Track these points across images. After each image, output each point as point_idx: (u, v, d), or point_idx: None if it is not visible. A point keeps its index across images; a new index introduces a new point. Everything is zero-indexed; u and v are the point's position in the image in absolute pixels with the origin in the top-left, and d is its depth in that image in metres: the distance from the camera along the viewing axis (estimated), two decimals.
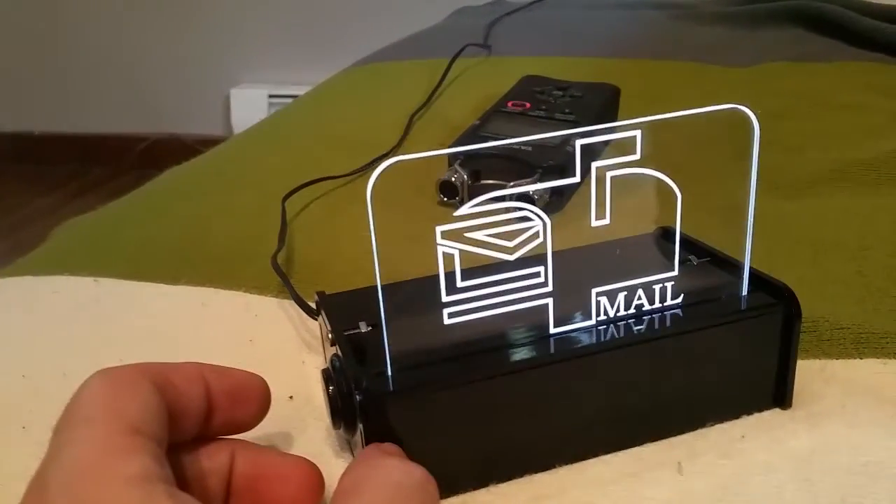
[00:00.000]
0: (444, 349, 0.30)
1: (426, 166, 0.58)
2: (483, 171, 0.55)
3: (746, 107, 0.30)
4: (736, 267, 0.34)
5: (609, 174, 0.30)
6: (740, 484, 0.30)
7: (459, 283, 0.29)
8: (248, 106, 2.10)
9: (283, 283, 0.44)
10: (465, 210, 0.28)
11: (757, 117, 0.31)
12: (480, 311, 0.29)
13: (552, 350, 0.30)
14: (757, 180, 0.31)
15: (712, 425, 0.33)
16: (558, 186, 0.51)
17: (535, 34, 1.07)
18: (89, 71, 2.28)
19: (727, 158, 0.62)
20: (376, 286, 0.28)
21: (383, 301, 0.28)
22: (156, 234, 0.54)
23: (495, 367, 0.29)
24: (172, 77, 2.24)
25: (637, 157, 0.30)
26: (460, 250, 0.28)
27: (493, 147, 0.54)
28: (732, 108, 0.30)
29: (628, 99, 0.70)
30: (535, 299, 0.30)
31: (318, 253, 0.50)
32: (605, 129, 0.29)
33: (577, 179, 0.29)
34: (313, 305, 0.37)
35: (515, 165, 0.54)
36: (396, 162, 0.26)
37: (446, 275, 0.28)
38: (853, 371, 0.36)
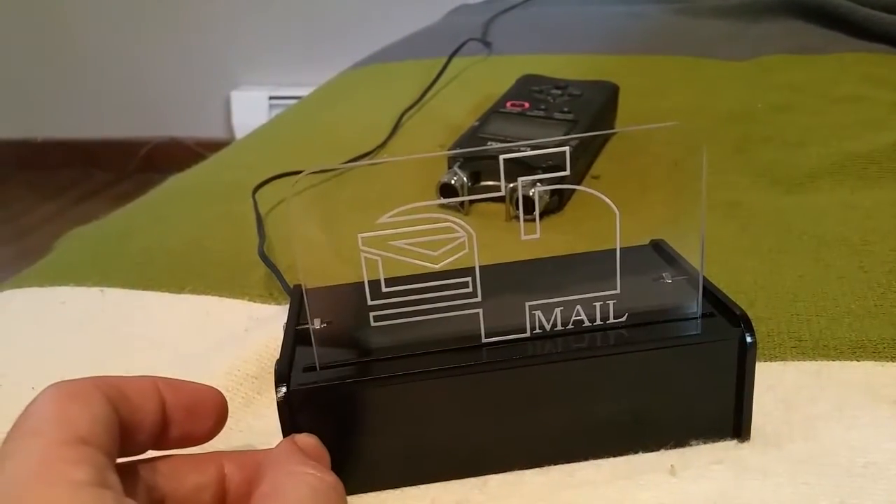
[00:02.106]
0: (372, 351, 0.31)
1: (429, 168, 0.58)
2: (483, 173, 0.55)
3: (698, 126, 0.30)
4: (708, 289, 0.32)
5: (537, 190, 0.30)
6: (737, 488, 0.29)
7: (384, 289, 0.30)
8: (249, 108, 2.10)
9: (272, 271, 0.44)
10: (385, 219, 0.29)
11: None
12: (405, 316, 0.30)
13: (476, 360, 0.30)
14: (706, 200, 0.30)
15: (663, 450, 0.31)
16: (557, 188, 0.51)
17: (532, 31, 1.07)
18: (90, 77, 2.28)
19: (727, 152, 0.62)
20: (305, 288, 0.30)
21: (308, 302, 0.30)
22: (160, 243, 0.54)
23: (410, 369, 0.30)
24: (173, 81, 2.25)
25: (567, 173, 0.31)
26: (384, 257, 0.29)
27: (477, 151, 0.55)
28: (675, 125, 0.30)
29: (627, 95, 0.70)
30: (462, 309, 0.30)
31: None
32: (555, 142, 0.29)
33: (502, 193, 0.33)
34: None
35: (515, 167, 0.54)
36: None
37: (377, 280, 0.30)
38: (850, 373, 0.36)
